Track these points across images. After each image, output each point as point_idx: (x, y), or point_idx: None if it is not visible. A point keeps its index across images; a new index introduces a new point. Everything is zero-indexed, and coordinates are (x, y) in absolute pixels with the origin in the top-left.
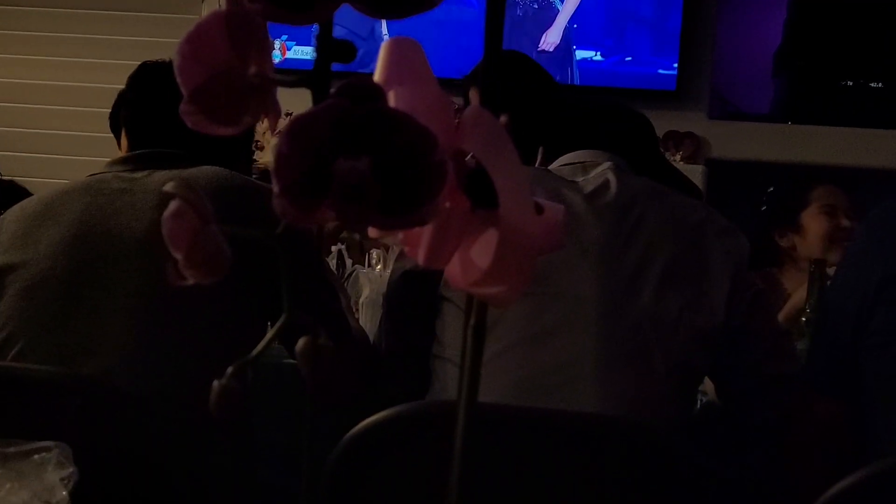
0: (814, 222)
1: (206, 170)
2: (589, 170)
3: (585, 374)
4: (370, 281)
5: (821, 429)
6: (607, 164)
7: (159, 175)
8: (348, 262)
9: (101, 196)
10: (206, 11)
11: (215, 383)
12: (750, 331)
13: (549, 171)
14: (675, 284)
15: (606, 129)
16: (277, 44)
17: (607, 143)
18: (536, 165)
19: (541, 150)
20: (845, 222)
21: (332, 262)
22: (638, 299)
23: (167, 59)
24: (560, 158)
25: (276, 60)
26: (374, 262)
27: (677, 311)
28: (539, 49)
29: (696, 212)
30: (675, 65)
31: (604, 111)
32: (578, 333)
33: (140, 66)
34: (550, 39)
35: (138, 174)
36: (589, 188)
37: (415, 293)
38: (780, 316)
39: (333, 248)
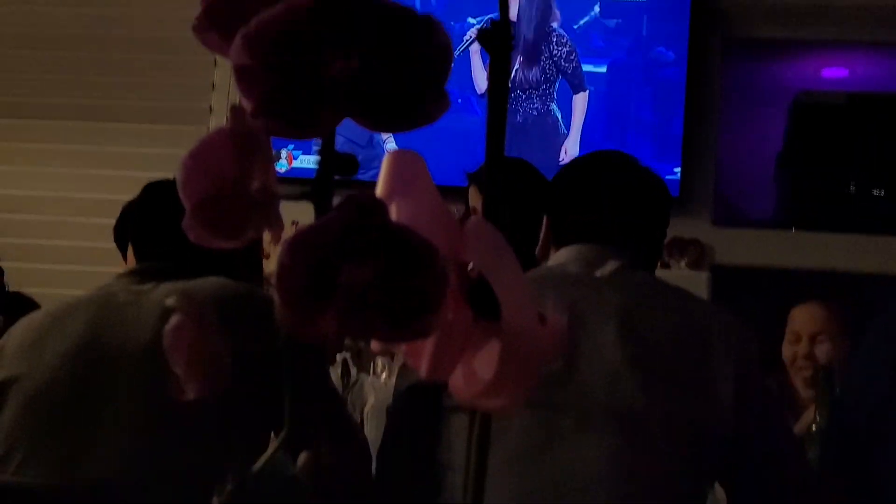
0: (785, 348)
1: (210, 280)
2: (594, 267)
3: (595, 484)
4: (375, 390)
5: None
6: (613, 265)
7: (164, 287)
8: (353, 370)
9: (107, 309)
10: (213, 123)
11: (214, 499)
12: (762, 437)
13: (557, 271)
14: (684, 389)
15: (613, 222)
16: (284, 153)
17: (613, 236)
18: (541, 242)
19: (545, 221)
20: (804, 351)
21: (337, 371)
22: (647, 405)
23: (171, 178)
24: (561, 252)
25: (283, 170)
26: (379, 370)
27: (687, 416)
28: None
29: (703, 310)
30: (678, 169)
31: (612, 194)
32: (587, 442)
33: (145, 186)
34: (570, 151)
35: (144, 286)
36: (595, 291)
37: (420, 408)
38: (796, 429)
39: (338, 357)
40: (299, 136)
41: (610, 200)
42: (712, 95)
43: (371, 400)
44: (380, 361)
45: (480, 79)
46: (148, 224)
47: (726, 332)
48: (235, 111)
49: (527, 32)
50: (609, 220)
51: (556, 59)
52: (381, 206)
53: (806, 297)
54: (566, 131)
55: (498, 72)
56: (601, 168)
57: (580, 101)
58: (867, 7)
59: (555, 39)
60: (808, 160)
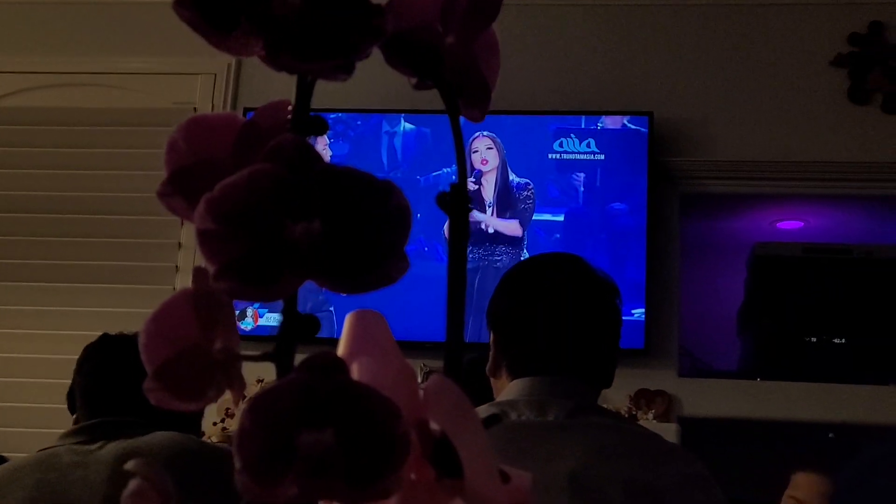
0: None
1: (160, 436)
2: (546, 411)
3: None
4: None
5: None
6: (563, 410)
7: (112, 446)
8: None
9: (52, 471)
10: (180, 282)
11: None
12: None
13: (508, 422)
14: None
15: (561, 349)
16: (249, 311)
17: (564, 364)
18: (490, 361)
19: (492, 338)
20: None
21: None
22: None
23: (125, 332)
24: (511, 387)
25: (248, 328)
26: None
27: None
28: None
29: (672, 466)
30: (640, 311)
31: (557, 314)
32: None
33: (99, 339)
34: None
35: (92, 446)
36: (546, 445)
37: None
38: None
39: None
40: (261, 298)
41: (556, 322)
42: (671, 250)
43: None
44: None
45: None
46: (98, 379)
47: (692, 489)
48: (198, 273)
49: (501, 185)
50: (557, 348)
51: (525, 207)
52: (341, 366)
53: (805, 463)
54: None
55: (456, 234)
56: (544, 282)
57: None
58: (817, 162)
59: (525, 188)
60: (768, 311)
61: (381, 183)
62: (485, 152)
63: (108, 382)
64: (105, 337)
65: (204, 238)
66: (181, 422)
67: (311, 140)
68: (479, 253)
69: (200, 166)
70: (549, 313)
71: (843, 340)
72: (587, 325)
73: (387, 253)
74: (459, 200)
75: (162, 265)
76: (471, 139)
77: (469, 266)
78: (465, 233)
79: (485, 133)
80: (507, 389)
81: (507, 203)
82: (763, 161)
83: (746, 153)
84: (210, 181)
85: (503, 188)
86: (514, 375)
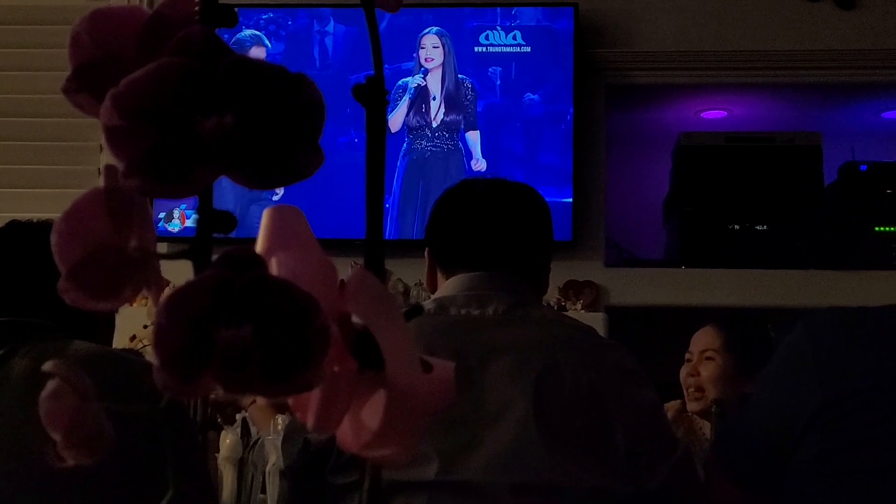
0: (681, 371)
1: (76, 345)
2: (485, 305)
3: None
4: (276, 448)
5: None
6: (503, 303)
7: (23, 354)
8: (253, 429)
9: None
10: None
11: None
12: (675, 498)
13: (446, 317)
14: (587, 450)
15: (497, 245)
16: (177, 213)
17: (502, 263)
18: (427, 276)
19: (427, 252)
20: (690, 368)
21: (237, 431)
22: (552, 473)
23: (36, 220)
24: (449, 283)
25: (176, 229)
26: (279, 428)
27: (593, 477)
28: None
29: (610, 363)
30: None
31: (493, 216)
32: None
33: (7, 224)
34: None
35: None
36: (489, 337)
37: (318, 464)
38: None
39: (238, 417)
40: (174, 194)
41: (491, 222)
42: (597, 142)
43: (272, 459)
44: (279, 419)
45: (396, 119)
46: (2, 273)
47: (628, 389)
48: (108, 171)
49: (449, 82)
50: (493, 244)
51: (467, 103)
52: (258, 261)
53: (726, 324)
54: (468, 165)
55: (374, 125)
56: (480, 192)
57: (475, 136)
58: (740, 52)
59: (469, 85)
60: (693, 200)
61: (292, 76)
62: (430, 50)
63: (14, 277)
64: (12, 224)
65: (111, 134)
66: (92, 327)
67: (246, 41)
68: (427, 146)
69: (106, 61)
70: (480, 215)
71: (765, 227)
72: (517, 225)
73: (300, 146)
74: (375, 92)
75: (83, 168)
76: (420, 36)
77: (415, 157)
78: (381, 124)
79: (434, 31)
80: (445, 286)
81: (453, 100)
82: (687, 51)
83: (671, 44)
84: (116, 76)
85: (451, 85)
86: (450, 274)
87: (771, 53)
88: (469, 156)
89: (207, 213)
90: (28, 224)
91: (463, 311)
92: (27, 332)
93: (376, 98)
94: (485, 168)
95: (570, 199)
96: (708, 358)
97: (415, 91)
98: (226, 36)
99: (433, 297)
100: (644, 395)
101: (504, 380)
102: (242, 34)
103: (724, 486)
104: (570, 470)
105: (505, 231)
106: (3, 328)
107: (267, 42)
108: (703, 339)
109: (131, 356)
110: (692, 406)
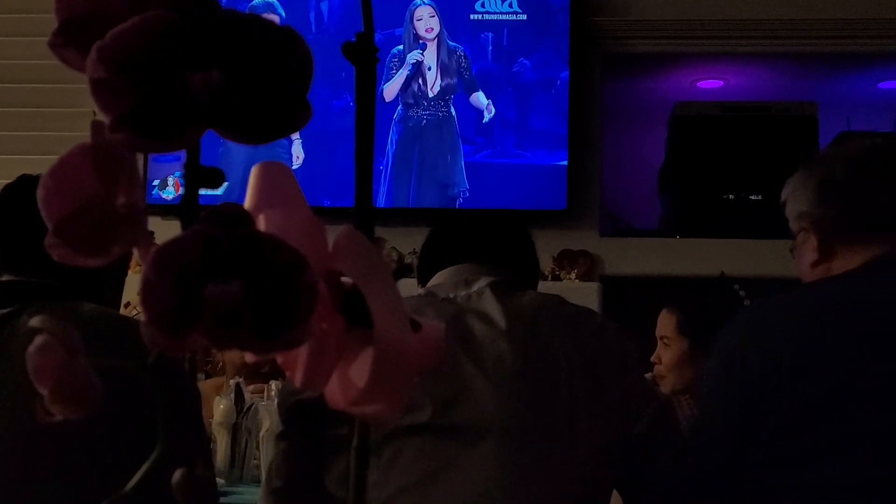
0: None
1: (85, 307)
2: (471, 284)
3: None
4: (269, 413)
5: None
6: (486, 281)
7: (25, 319)
8: (247, 395)
9: None
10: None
11: None
12: (656, 444)
13: (434, 292)
14: (578, 401)
15: (483, 242)
16: (171, 180)
17: (485, 255)
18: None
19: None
20: (655, 356)
21: (231, 397)
22: (537, 421)
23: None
24: (438, 274)
25: (171, 197)
26: (273, 393)
27: (580, 425)
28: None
29: (591, 323)
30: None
31: (480, 223)
32: (480, 464)
33: (19, 178)
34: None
35: (4, 310)
36: (475, 305)
37: (309, 425)
38: None
39: (231, 382)
40: (161, 149)
41: (476, 226)
42: (593, 110)
43: (266, 424)
44: (273, 385)
45: (391, 89)
46: (11, 230)
47: (606, 346)
48: (95, 126)
49: (443, 52)
50: (479, 240)
51: (462, 69)
52: (245, 217)
53: (683, 303)
54: (459, 129)
55: (363, 84)
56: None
57: (477, 98)
58: (738, 21)
59: (461, 53)
60: (688, 170)
61: (281, 29)
62: (428, 20)
63: (22, 235)
64: (23, 178)
65: (97, 88)
66: (99, 289)
67: (259, 7)
68: (422, 114)
69: (93, 14)
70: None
71: (760, 197)
72: (505, 231)
73: (288, 101)
74: (365, 50)
75: (77, 135)
76: (412, 8)
77: (410, 125)
78: (371, 82)
79: (426, 1)
80: (433, 279)
81: (447, 69)
82: (684, 19)
83: (668, 12)
84: (103, 31)
85: (445, 55)
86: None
87: (768, 22)
88: (471, 118)
89: (195, 169)
90: (39, 178)
91: (451, 295)
92: (34, 292)
93: (366, 55)
94: (493, 114)
95: (565, 163)
96: (665, 344)
97: (413, 67)
98: (241, 5)
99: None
100: (628, 347)
101: (494, 338)
102: (255, 1)
103: None
104: (557, 417)
105: (492, 233)
106: (10, 287)
107: (281, 11)
108: (661, 324)
109: (137, 319)
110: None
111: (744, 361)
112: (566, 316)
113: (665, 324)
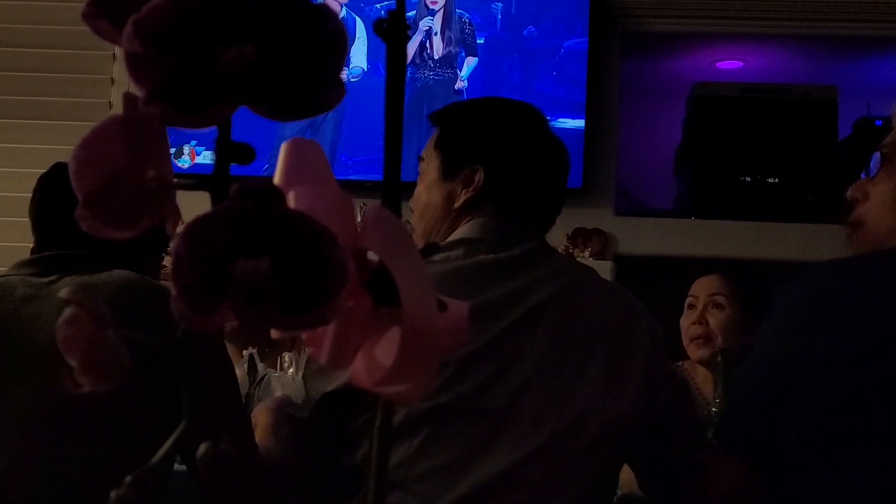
0: (682, 319)
1: (115, 274)
2: (511, 247)
3: (524, 486)
4: (283, 385)
5: (732, 488)
6: (530, 245)
7: (67, 281)
8: (260, 366)
9: (4, 302)
10: None
11: (113, 493)
12: (671, 424)
13: (468, 263)
14: (603, 383)
15: (522, 193)
16: (187, 149)
17: (522, 208)
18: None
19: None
20: (696, 315)
21: (244, 367)
22: (569, 404)
23: None
24: (467, 227)
25: (185, 165)
26: (286, 365)
27: (606, 411)
28: None
29: (622, 300)
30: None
31: (521, 160)
32: (515, 446)
33: (53, 165)
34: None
35: (45, 279)
36: (510, 281)
37: (336, 413)
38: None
39: (244, 353)
40: (193, 124)
41: (519, 168)
42: (610, 88)
43: (279, 395)
44: (286, 357)
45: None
46: (50, 210)
47: (636, 322)
48: (128, 99)
49: (451, 19)
50: (518, 192)
51: (465, 35)
52: (276, 194)
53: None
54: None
55: (394, 61)
56: (526, 136)
57: (471, 62)
58: (758, 1)
59: (466, 20)
60: (705, 151)
61: (316, 7)
62: None
63: (58, 212)
64: (58, 165)
65: (132, 61)
66: (134, 257)
67: None
68: (429, 75)
69: None
70: (518, 157)
71: (777, 180)
72: (549, 174)
73: (322, 78)
74: (396, 27)
75: (94, 101)
76: None
77: (418, 85)
78: (402, 60)
79: None
80: (462, 229)
81: (453, 34)
82: None
83: None
84: (136, 2)
85: (450, 19)
86: (468, 217)
87: (789, 4)
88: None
89: (226, 145)
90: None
91: (491, 256)
92: (73, 262)
93: (398, 33)
94: (465, 87)
95: (579, 145)
96: (716, 305)
97: (425, 33)
98: None
99: (456, 237)
100: (655, 325)
101: (527, 315)
102: None
103: (724, 462)
104: (592, 400)
105: (534, 182)
106: (52, 260)
107: None
108: (712, 284)
109: (163, 285)
110: (697, 353)
111: (810, 327)
112: (602, 289)
113: (720, 285)
